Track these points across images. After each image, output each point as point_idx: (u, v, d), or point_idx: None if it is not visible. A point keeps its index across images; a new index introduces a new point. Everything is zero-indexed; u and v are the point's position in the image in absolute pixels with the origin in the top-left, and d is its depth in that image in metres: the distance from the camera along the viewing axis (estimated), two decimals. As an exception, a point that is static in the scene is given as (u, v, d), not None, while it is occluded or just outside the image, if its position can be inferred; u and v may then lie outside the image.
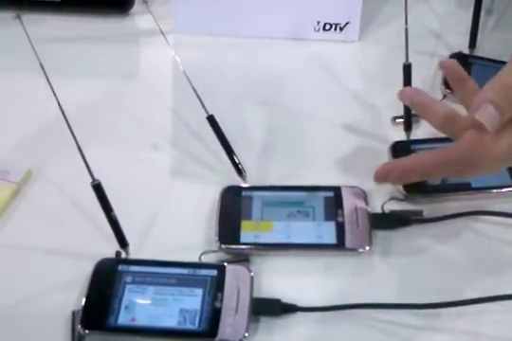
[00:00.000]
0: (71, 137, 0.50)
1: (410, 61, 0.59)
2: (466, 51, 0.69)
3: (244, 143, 0.60)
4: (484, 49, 0.69)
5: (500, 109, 0.44)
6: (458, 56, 0.68)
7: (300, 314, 0.48)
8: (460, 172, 0.48)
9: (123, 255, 0.51)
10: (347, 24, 0.71)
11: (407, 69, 0.58)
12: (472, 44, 0.69)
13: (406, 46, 0.58)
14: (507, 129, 0.45)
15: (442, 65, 0.51)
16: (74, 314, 0.47)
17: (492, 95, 0.45)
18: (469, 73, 0.66)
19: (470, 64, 0.67)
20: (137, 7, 0.75)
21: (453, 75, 0.50)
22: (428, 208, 0.54)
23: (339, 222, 0.53)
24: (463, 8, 0.73)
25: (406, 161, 0.48)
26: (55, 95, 0.49)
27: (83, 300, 0.48)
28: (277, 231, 0.52)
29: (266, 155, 0.60)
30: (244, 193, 0.55)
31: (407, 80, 0.58)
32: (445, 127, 0.49)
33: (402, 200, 0.55)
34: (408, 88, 0.53)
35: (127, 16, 0.75)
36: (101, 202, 0.49)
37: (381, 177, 0.48)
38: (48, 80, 0.50)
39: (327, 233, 0.52)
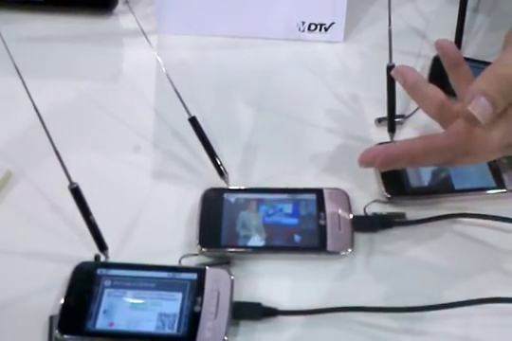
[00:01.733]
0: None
1: (394, 61, 0.59)
2: (452, 52, 0.68)
3: (227, 144, 0.60)
4: (469, 50, 0.69)
5: (492, 101, 0.43)
6: (443, 57, 0.67)
7: (281, 318, 0.48)
8: (450, 162, 0.47)
9: (102, 258, 0.50)
10: (332, 24, 0.70)
11: (390, 70, 0.57)
12: (458, 44, 0.68)
13: (389, 48, 0.58)
14: (501, 118, 0.44)
15: (438, 45, 0.50)
16: (51, 318, 0.47)
17: (485, 86, 0.43)
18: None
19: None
20: (120, 6, 0.74)
21: (448, 57, 0.49)
22: (410, 211, 0.54)
23: (321, 224, 0.53)
24: (448, 8, 0.72)
25: (393, 147, 0.47)
26: (29, 95, 0.49)
27: (61, 304, 0.47)
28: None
29: (249, 157, 0.60)
30: (225, 196, 0.55)
31: (390, 81, 0.58)
32: (438, 114, 0.48)
33: (385, 202, 0.55)
34: (402, 66, 0.50)
35: (110, 16, 0.75)
36: (80, 205, 0.48)
37: (366, 162, 0.46)
38: (23, 81, 0.49)
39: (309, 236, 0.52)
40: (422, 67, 0.67)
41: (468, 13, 0.70)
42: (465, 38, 0.69)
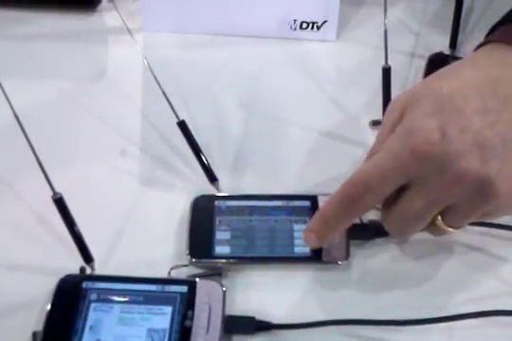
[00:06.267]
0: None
1: (388, 61, 0.57)
2: (447, 51, 0.67)
3: (217, 148, 0.58)
4: (465, 49, 0.67)
5: None
6: (438, 56, 0.66)
7: (275, 332, 0.46)
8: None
9: (88, 271, 0.48)
10: (324, 22, 0.68)
11: (386, 73, 0.56)
12: (453, 44, 0.67)
13: (385, 48, 0.56)
14: None
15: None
16: (35, 334, 0.44)
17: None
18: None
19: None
20: (105, 3, 0.72)
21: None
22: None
23: (316, 233, 0.51)
24: (443, 7, 0.71)
25: None
26: (6, 96, 0.46)
27: (45, 320, 0.45)
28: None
29: (241, 162, 0.58)
30: (217, 203, 0.53)
31: (386, 83, 0.56)
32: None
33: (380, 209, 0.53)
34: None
35: (94, 13, 0.72)
36: (64, 216, 0.46)
37: None
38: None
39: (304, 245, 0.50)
40: (417, 68, 0.66)
41: (463, 12, 0.68)
42: (459, 38, 0.67)
